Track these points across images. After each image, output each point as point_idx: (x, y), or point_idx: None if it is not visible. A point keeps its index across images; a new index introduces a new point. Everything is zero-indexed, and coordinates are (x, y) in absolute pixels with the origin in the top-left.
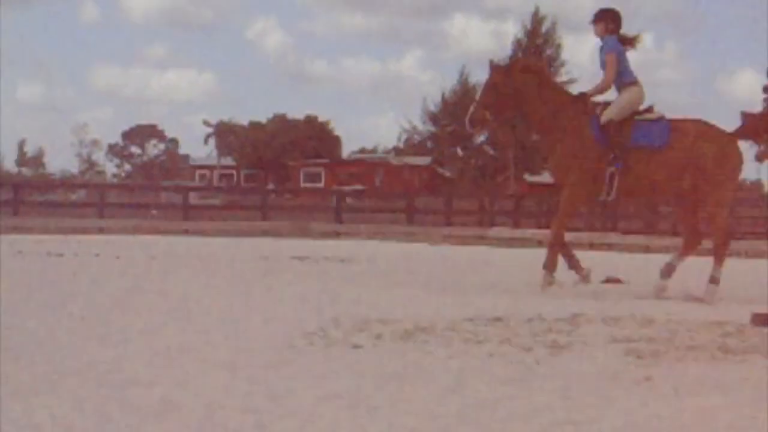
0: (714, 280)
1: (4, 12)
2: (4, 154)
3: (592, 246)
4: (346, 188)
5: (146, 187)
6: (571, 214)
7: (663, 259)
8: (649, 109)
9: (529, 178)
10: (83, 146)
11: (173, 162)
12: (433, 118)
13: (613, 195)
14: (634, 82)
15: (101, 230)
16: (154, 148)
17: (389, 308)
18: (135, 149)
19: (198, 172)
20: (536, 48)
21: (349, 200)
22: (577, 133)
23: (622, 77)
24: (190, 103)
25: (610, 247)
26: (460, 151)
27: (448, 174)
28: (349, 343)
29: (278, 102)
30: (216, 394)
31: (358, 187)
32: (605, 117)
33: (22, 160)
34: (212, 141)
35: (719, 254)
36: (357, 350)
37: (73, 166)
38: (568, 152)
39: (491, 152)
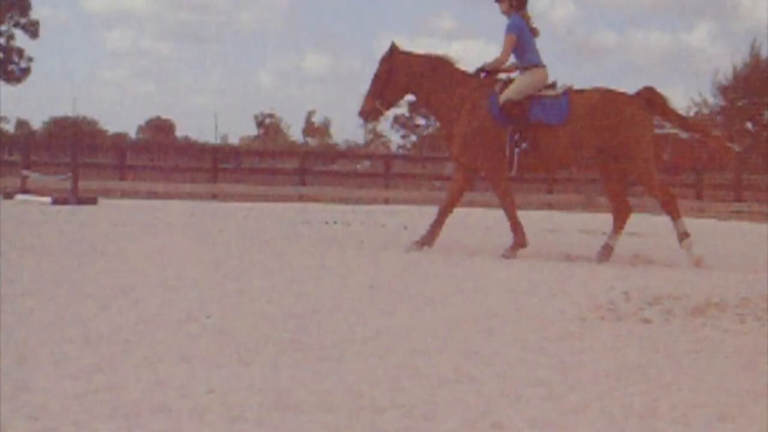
0: (682, 235)
1: None
2: (290, 124)
3: None
4: None
5: (431, 158)
6: (510, 193)
7: None
8: (552, 85)
9: None
10: None
11: None
12: (724, 91)
13: (514, 171)
14: (538, 65)
15: (386, 201)
16: None
17: (679, 283)
18: (420, 120)
19: None
20: None
21: None
22: (474, 111)
23: (525, 58)
24: None
25: None
26: (750, 126)
27: (737, 149)
28: (639, 317)
29: (566, 74)
30: (506, 365)
31: None
32: (504, 97)
33: (308, 130)
34: None
35: (671, 211)
36: (647, 325)
37: (359, 137)
38: (468, 131)
39: None
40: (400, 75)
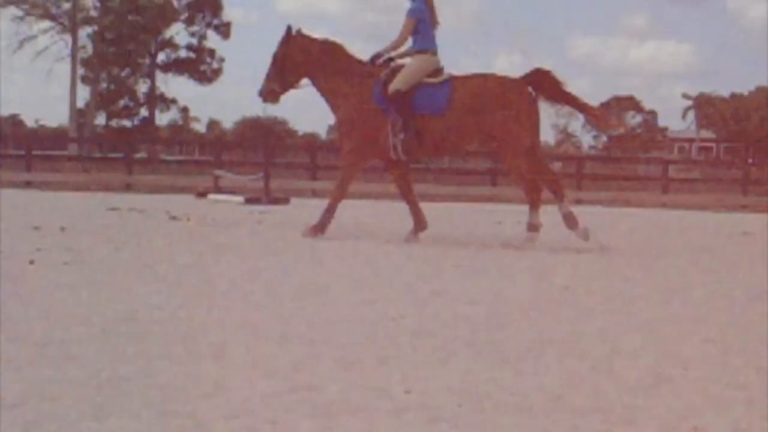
0: (533, 225)
1: None
2: None
3: None
4: None
5: (623, 159)
6: (350, 180)
7: None
8: (436, 72)
9: None
10: (560, 116)
11: (651, 134)
12: None
13: (401, 156)
14: (426, 51)
15: (578, 202)
16: (631, 119)
17: None
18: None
19: (676, 145)
20: None
21: None
22: (357, 98)
23: (416, 43)
24: (669, 74)
25: None
26: None
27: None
28: None
29: (761, 73)
30: (704, 368)
31: None
32: (393, 87)
33: None
34: (691, 114)
35: (533, 201)
36: None
37: (550, 137)
38: (347, 118)
39: None
40: (296, 58)
